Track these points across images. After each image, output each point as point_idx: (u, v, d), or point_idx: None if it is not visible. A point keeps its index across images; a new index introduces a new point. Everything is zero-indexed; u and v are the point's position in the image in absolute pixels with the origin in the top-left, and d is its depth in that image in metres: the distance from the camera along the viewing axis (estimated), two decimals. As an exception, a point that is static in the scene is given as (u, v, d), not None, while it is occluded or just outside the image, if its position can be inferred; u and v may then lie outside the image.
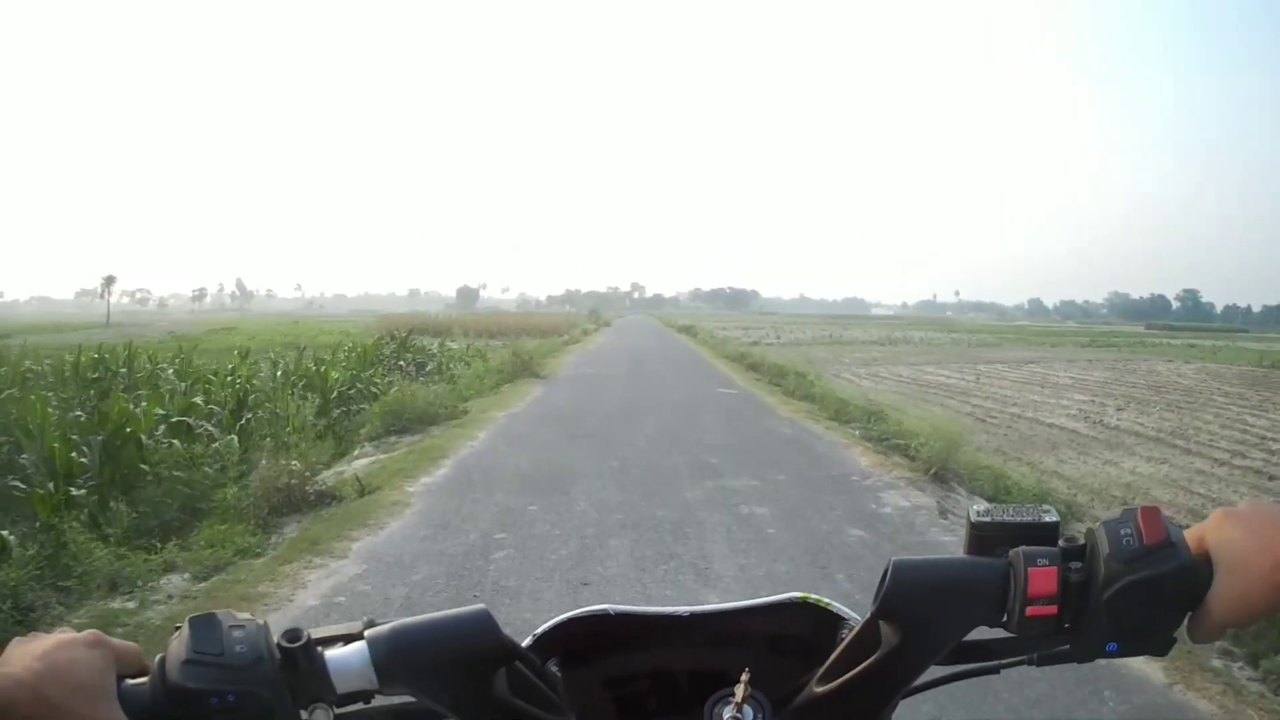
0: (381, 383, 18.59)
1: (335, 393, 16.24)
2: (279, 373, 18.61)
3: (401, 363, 23.85)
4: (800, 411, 16.82)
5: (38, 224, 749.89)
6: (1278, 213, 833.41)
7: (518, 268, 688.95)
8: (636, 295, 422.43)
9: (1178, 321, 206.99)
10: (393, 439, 13.45)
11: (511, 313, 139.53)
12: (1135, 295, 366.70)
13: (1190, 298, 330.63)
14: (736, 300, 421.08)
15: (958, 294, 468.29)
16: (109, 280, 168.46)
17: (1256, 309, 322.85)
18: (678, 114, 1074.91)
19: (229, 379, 15.97)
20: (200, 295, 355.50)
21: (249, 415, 13.59)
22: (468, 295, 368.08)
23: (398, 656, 0.80)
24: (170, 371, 19.07)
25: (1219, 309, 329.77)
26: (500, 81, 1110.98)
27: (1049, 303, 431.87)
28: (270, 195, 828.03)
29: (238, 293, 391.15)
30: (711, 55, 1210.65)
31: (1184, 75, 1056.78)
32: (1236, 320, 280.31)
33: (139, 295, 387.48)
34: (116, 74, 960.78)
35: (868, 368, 31.84)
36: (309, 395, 15.56)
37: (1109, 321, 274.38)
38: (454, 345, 39.82)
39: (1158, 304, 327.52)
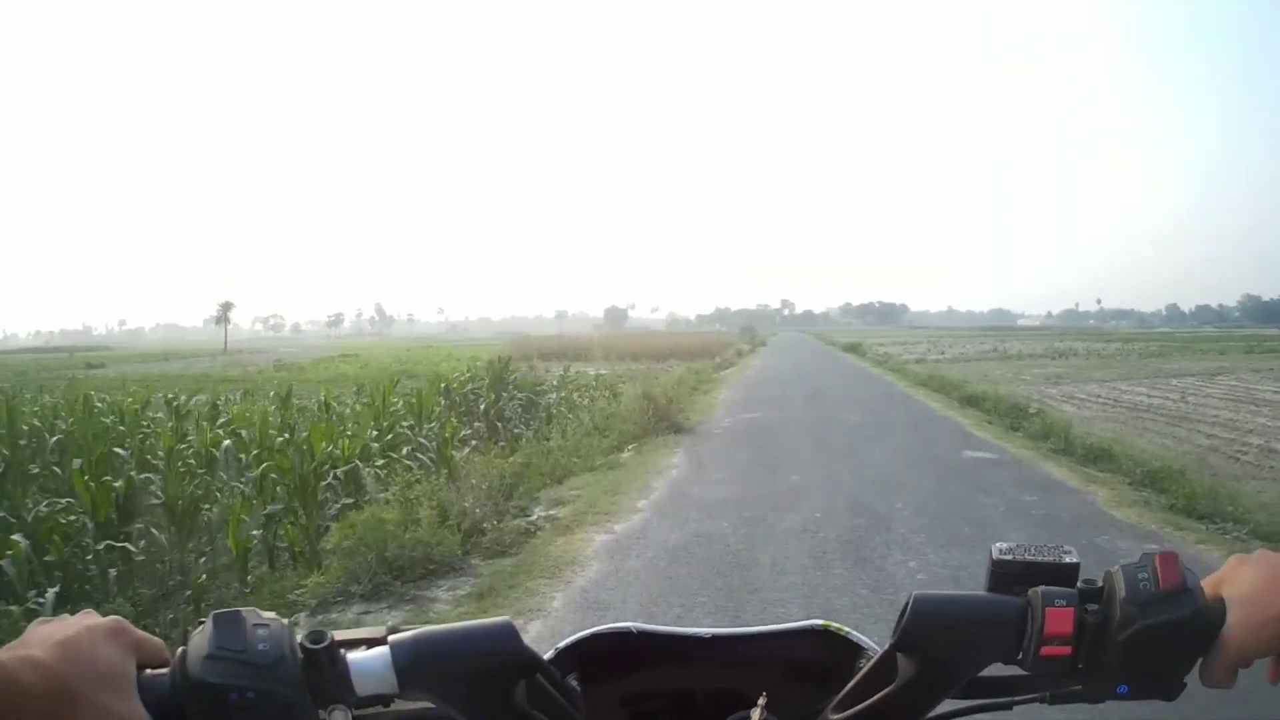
0: (431, 447, 12.26)
1: (307, 482, 8.92)
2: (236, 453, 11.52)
3: (488, 404, 17.38)
4: (1132, 503, 10.21)
5: (172, 252, 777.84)
6: None
7: (667, 287, 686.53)
8: (787, 312, 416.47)
9: None
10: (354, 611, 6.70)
11: (659, 333, 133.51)
12: (1267, 297, 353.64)
13: None
14: (887, 314, 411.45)
15: (1099, 302, 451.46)
16: (226, 306, 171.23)
17: None
18: (832, 130, 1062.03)
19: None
20: (336, 321, 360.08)
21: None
22: (616, 315, 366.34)
23: (420, 663, 0.80)
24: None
25: None
26: (644, 94, 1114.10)
27: (1185, 308, 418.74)
28: (412, 218, 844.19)
29: (376, 317, 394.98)
30: (847, 56, 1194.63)
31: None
32: None
33: (272, 321, 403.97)
34: (257, 102, 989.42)
35: (1057, 386, 29.08)
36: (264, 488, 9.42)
37: (1243, 325, 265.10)
38: (589, 370, 36.33)
39: None
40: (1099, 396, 24.86)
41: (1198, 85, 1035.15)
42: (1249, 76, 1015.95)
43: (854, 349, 63.33)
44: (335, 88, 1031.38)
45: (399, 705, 0.82)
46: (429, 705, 0.83)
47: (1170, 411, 20.60)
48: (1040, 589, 0.83)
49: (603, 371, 46.60)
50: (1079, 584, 0.84)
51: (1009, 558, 0.86)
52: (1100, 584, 0.84)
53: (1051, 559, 0.86)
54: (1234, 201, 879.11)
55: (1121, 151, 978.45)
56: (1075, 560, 0.86)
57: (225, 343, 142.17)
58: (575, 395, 22.13)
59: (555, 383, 23.78)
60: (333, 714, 0.77)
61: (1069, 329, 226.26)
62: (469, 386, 18.68)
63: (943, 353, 58.68)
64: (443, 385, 18.35)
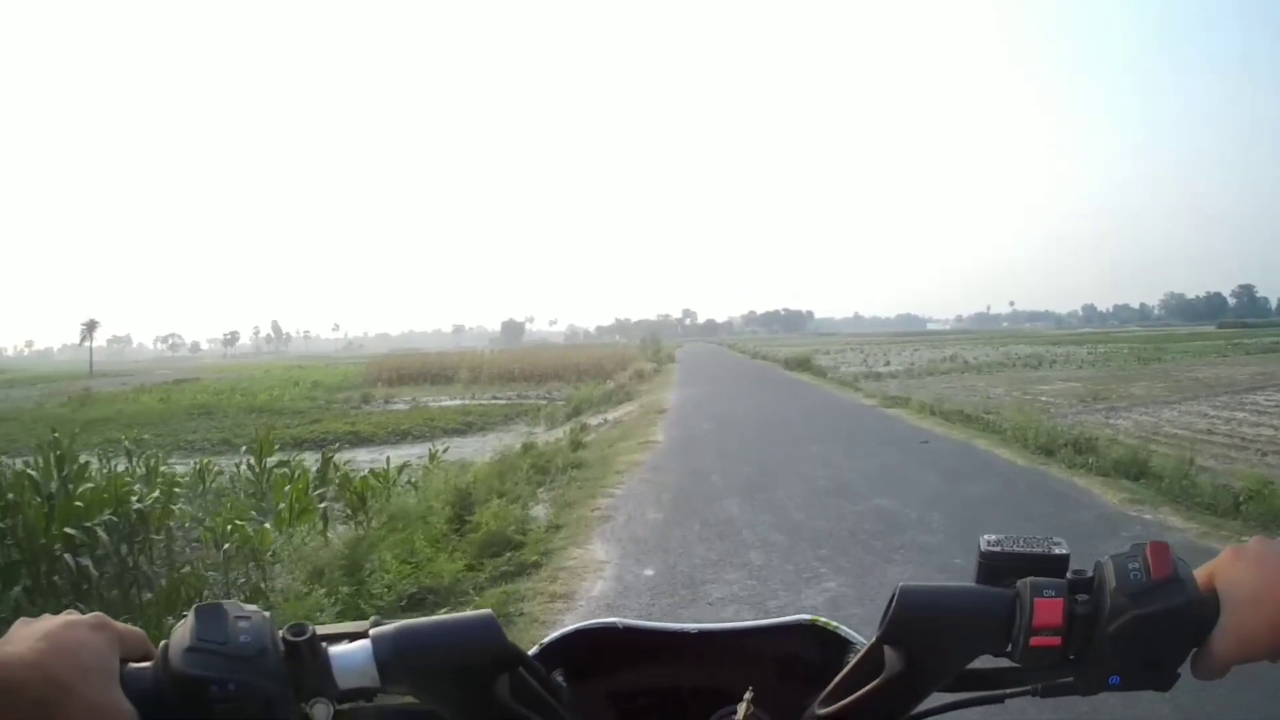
0: None
1: None
2: None
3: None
4: None
5: (76, 272, 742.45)
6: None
7: (567, 299, 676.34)
8: (689, 322, 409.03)
9: (1234, 319, 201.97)
10: None
11: (551, 347, 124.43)
12: (1190, 295, 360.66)
13: (1246, 293, 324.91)
14: (792, 322, 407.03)
15: (1012, 304, 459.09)
16: (91, 325, 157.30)
17: None
18: (728, 135, 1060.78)
19: None
20: (232, 339, 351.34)
21: None
22: (513, 329, 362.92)
23: (401, 656, 0.80)
24: None
25: (1273, 303, 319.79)
26: (545, 109, 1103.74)
27: (1102, 308, 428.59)
28: (307, 234, 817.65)
29: (273, 335, 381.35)
30: (757, 75, 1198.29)
31: (1218, 69, 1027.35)
32: None
33: (172, 340, 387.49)
34: (152, 108, 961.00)
35: (1117, 414, 21.01)
36: None
37: (1168, 323, 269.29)
38: (434, 404, 31.68)
39: (1214, 302, 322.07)
40: (1220, 432, 17.26)
41: (1108, 83, 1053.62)
42: (1160, 73, 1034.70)
43: (802, 365, 44.42)
44: (223, 98, 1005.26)
45: (382, 699, 0.82)
46: (412, 699, 0.83)
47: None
48: (1029, 580, 0.83)
49: (457, 402, 37.96)
50: (1069, 574, 0.84)
51: (997, 549, 0.86)
52: (1090, 574, 0.84)
53: (1041, 550, 0.86)
54: (1148, 201, 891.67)
55: (1030, 153, 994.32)
56: (1065, 551, 0.86)
57: (90, 365, 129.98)
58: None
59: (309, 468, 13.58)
60: (314, 707, 0.78)
61: (980, 331, 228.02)
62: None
63: (887, 363, 50.98)
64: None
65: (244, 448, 23.19)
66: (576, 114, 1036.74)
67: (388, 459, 15.03)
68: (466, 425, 27.12)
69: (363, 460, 21.29)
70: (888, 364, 50.09)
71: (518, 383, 50.39)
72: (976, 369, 42.91)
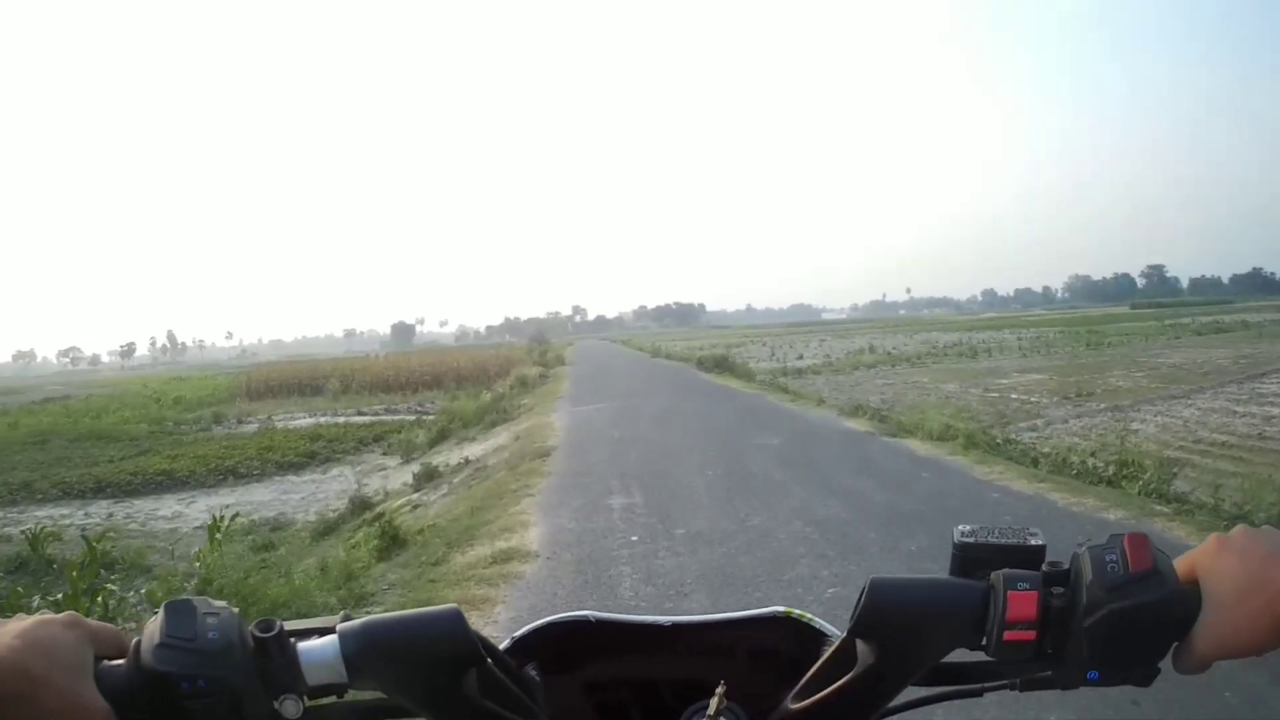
0: None
1: None
2: None
3: None
4: None
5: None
6: (1232, 176, 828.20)
7: (457, 300, 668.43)
8: (579, 319, 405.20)
9: (1145, 299, 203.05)
10: None
11: (438, 349, 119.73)
12: (1097, 277, 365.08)
13: (1156, 274, 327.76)
14: (685, 315, 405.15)
15: (909, 291, 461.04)
16: None
17: (1226, 279, 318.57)
18: (609, 128, 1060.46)
19: None
20: (128, 351, 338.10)
21: None
22: (403, 332, 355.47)
23: (367, 651, 0.80)
24: None
25: (1184, 283, 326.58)
26: (426, 108, 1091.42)
27: (1002, 292, 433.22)
28: (198, 239, 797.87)
29: (168, 345, 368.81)
30: (639, 64, 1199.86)
31: (1121, 46, 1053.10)
32: (1208, 292, 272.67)
33: (72, 354, 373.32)
34: (39, 107, 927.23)
35: (1129, 416, 17.74)
36: None
37: (1075, 306, 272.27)
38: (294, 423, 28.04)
39: (1123, 283, 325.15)
40: (1275, 437, 14.57)
41: (1009, 65, 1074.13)
42: (1063, 53, 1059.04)
43: (720, 365, 36.29)
44: (109, 93, 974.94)
45: (353, 695, 0.83)
46: (381, 695, 0.83)
47: None
48: (1003, 572, 0.81)
49: (315, 420, 33.99)
50: (1044, 566, 0.82)
51: (971, 540, 0.85)
52: (1066, 567, 0.82)
53: (1016, 541, 0.84)
54: (1050, 180, 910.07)
55: (925, 138, 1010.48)
56: (1041, 543, 0.84)
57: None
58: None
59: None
60: (284, 703, 0.78)
61: (878, 320, 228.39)
62: None
63: (800, 356, 47.23)
64: None
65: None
66: (462, 116, 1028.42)
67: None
68: (309, 456, 23.37)
69: (160, 518, 17.75)
70: (800, 358, 46.38)
71: (393, 392, 46.63)
72: (904, 360, 39.95)
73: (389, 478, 18.82)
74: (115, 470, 22.40)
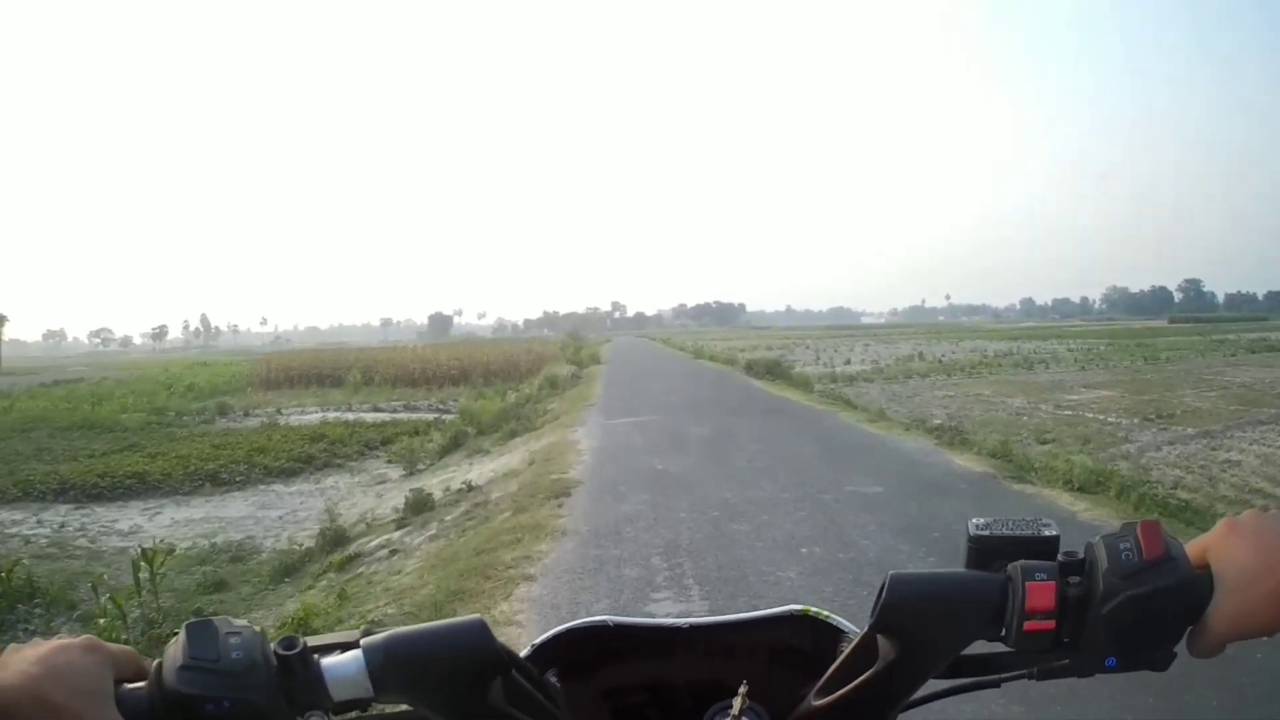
0: None
1: None
2: None
3: None
4: None
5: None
6: (1272, 194, 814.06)
7: (496, 292, 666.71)
8: (618, 315, 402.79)
9: (1182, 314, 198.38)
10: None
11: (473, 341, 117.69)
12: (1135, 289, 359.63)
13: (1192, 288, 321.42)
14: (724, 315, 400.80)
15: (948, 298, 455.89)
16: None
17: (1261, 295, 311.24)
18: (652, 126, 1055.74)
19: None
20: (160, 333, 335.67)
21: None
22: (440, 322, 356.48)
23: (393, 665, 0.80)
24: None
25: (1220, 298, 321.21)
26: (470, 100, 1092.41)
27: (1040, 301, 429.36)
28: (237, 223, 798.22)
29: (201, 329, 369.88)
30: (684, 63, 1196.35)
31: (1169, 60, 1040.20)
32: (1243, 308, 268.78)
33: (103, 334, 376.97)
34: (78, 93, 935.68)
35: (1232, 447, 15.32)
36: None
37: (1112, 318, 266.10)
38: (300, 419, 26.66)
39: (1160, 296, 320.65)
40: None
41: (1050, 72, 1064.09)
42: (1105, 62, 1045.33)
43: (774, 372, 31.78)
44: (145, 84, 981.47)
45: (376, 709, 0.83)
46: (407, 708, 0.83)
47: None
48: (1020, 563, 0.83)
49: (324, 415, 31.25)
50: (1059, 556, 0.84)
51: (986, 533, 0.86)
52: (1081, 556, 0.84)
53: (1030, 532, 0.86)
54: (1088, 190, 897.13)
55: (967, 144, 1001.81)
56: (1055, 533, 0.86)
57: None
58: None
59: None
60: None
61: (917, 325, 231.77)
62: None
63: (848, 361, 44.90)
64: None
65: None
66: (507, 110, 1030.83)
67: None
68: (304, 461, 20.40)
69: (116, 533, 15.18)
70: (848, 362, 43.91)
71: (417, 386, 43.95)
72: (957, 369, 37.26)
73: (383, 495, 15.98)
74: (85, 470, 19.71)
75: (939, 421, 16.55)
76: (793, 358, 44.94)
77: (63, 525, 15.66)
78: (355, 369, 47.93)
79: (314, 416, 31.38)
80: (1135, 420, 18.98)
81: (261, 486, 18.53)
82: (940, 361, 42.52)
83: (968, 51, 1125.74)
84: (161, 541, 14.26)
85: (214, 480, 18.69)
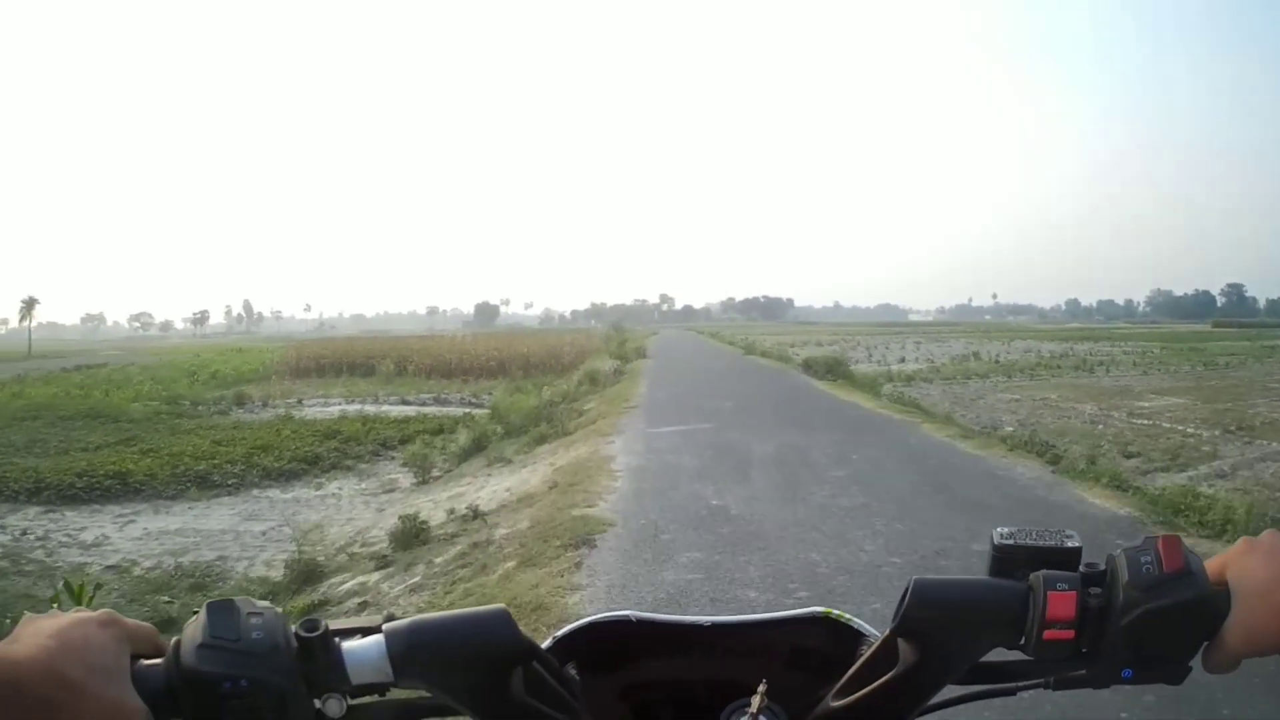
0: None
1: None
2: None
3: None
4: None
5: (41, 249, 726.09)
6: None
7: (544, 282, 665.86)
8: (665, 307, 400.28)
9: (1226, 318, 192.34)
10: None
11: (518, 332, 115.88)
12: (1178, 292, 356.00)
13: (1235, 292, 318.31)
14: (771, 309, 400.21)
15: (995, 297, 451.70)
16: (29, 303, 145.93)
17: None
18: (707, 118, 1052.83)
19: None
20: (201, 318, 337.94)
21: None
22: (487, 312, 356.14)
23: (415, 651, 0.80)
24: None
25: (1261, 303, 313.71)
26: (522, 88, 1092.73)
27: (1085, 302, 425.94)
28: (283, 211, 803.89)
29: (243, 314, 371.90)
30: (741, 59, 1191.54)
31: (1220, 63, 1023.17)
32: None
33: (142, 319, 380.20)
34: (123, 84, 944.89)
35: None
36: None
37: (1156, 321, 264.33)
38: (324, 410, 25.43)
39: (1202, 300, 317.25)
40: None
41: (1093, 77, 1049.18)
42: (1146, 66, 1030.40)
43: (835, 371, 29.25)
44: (195, 71, 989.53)
45: (394, 694, 0.83)
46: (425, 694, 0.83)
47: None
48: (1042, 573, 0.83)
49: (346, 408, 28.99)
50: (1081, 568, 0.85)
51: (1010, 542, 0.86)
52: (1103, 568, 0.84)
53: (1054, 543, 0.86)
54: (1132, 191, 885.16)
55: (1013, 143, 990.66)
56: (1078, 544, 0.86)
57: (29, 345, 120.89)
58: None
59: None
60: (327, 703, 0.78)
61: (964, 324, 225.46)
62: None
63: (902, 360, 43.44)
64: None
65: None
66: (559, 98, 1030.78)
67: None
68: (310, 462, 18.19)
69: (79, 545, 13.04)
70: (902, 361, 42.20)
71: (452, 378, 41.92)
72: (1015, 370, 35.45)
73: (384, 510, 13.68)
74: (64, 468, 17.67)
75: (1044, 439, 13.84)
76: (846, 356, 42.21)
77: (24, 533, 13.72)
78: (389, 358, 46.05)
79: (335, 409, 29.25)
80: (1216, 432, 17.42)
81: (255, 491, 16.36)
82: (997, 362, 40.88)
83: (1014, 51, 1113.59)
84: (122, 560, 12.37)
85: (202, 483, 16.54)
